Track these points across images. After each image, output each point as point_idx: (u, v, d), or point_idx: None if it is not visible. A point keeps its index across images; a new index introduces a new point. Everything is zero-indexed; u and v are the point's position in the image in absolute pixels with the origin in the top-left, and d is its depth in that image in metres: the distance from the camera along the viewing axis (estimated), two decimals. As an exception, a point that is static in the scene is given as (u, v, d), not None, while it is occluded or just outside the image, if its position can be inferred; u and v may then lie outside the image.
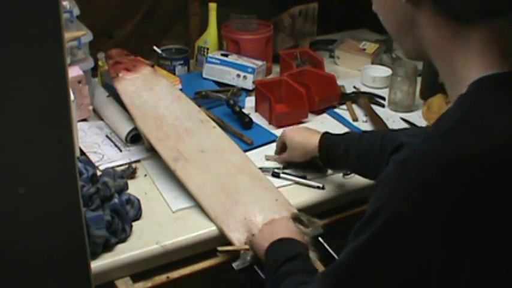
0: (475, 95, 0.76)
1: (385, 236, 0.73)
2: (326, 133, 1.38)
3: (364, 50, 2.11)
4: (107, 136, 1.60)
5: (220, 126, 1.55)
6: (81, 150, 1.50)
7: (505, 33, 0.78)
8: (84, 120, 1.66)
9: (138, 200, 1.30)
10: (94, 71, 1.79)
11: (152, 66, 1.67)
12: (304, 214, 1.29)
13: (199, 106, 1.61)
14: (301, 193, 1.41)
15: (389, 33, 0.90)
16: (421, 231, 0.70)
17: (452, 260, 0.69)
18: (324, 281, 0.83)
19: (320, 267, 1.20)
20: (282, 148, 1.48)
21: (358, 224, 0.78)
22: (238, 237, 1.24)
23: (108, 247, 1.19)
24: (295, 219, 1.28)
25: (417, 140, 0.74)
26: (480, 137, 0.72)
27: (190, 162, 1.40)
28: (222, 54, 1.94)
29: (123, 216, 1.23)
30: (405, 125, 1.73)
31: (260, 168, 1.44)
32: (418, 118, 1.76)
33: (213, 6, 1.98)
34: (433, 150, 0.72)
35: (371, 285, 0.75)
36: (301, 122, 1.71)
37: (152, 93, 1.56)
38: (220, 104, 1.74)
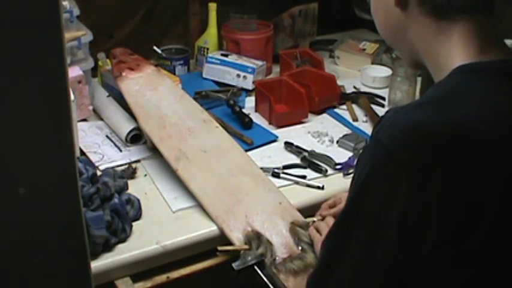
0: (450, 78, 0.85)
1: (366, 187, 0.82)
2: None
3: (364, 50, 2.12)
4: (107, 136, 1.60)
5: (220, 126, 1.55)
6: (81, 150, 1.50)
7: (483, 28, 0.86)
8: (84, 120, 1.66)
9: (138, 200, 1.30)
10: (94, 71, 1.79)
11: (155, 66, 1.67)
12: (304, 220, 1.29)
13: (200, 106, 1.61)
14: (301, 193, 1.41)
15: (386, 41, 0.98)
16: (390, 189, 0.79)
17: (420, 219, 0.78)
18: (324, 243, 0.93)
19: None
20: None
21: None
22: (238, 237, 1.24)
23: (108, 247, 1.19)
24: (296, 224, 1.28)
25: (390, 112, 0.84)
26: (444, 112, 0.80)
27: (192, 162, 1.40)
28: (222, 54, 1.94)
29: (123, 216, 1.23)
30: (405, 125, 1.73)
31: (260, 168, 1.44)
32: (418, 118, 1.76)
33: (213, 6, 1.98)
34: (400, 120, 0.81)
35: (361, 235, 0.83)
36: (301, 122, 1.71)
37: (155, 93, 1.56)
38: (220, 104, 1.74)
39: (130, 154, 1.52)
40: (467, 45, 0.85)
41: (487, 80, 0.84)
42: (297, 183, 1.44)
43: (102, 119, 1.67)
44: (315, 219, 1.28)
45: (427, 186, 0.77)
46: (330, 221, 1.22)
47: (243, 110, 1.72)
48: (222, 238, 1.26)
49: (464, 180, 0.78)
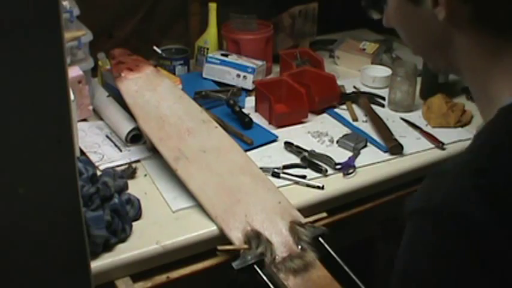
0: (501, 124, 0.71)
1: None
2: None
3: (364, 50, 2.11)
4: (107, 136, 1.60)
5: (220, 126, 1.56)
6: (81, 150, 1.50)
7: None
8: (84, 120, 1.66)
9: (138, 200, 1.30)
10: (94, 71, 1.79)
11: (155, 66, 1.67)
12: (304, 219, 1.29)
13: (200, 106, 1.62)
14: (301, 193, 1.41)
15: (414, 50, 0.86)
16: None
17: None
18: None
19: (320, 268, 1.20)
20: None
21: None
22: (238, 237, 1.24)
23: (108, 247, 1.19)
24: (296, 223, 1.28)
25: (442, 183, 0.69)
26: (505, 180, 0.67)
27: (192, 162, 1.40)
28: (222, 54, 1.94)
29: (123, 216, 1.23)
30: (405, 125, 1.73)
31: (260, 168, 1.44)
32: (418, 118, 1.76)
33: (213, 6, 1.98)
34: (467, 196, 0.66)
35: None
36: (301, 122, 1.71)
37: (155, 93, 1.56)
38: (220, 104, 1.74)
39: (130, 154, 1.52)
40: None
41: None
42: (296, 183, 1.44)
43: (102, 119, 1.68)
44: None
45: None
46: None
47: (243, 110, 1.72)
48: (222, 238, 1.26)
49: None
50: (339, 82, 1.89)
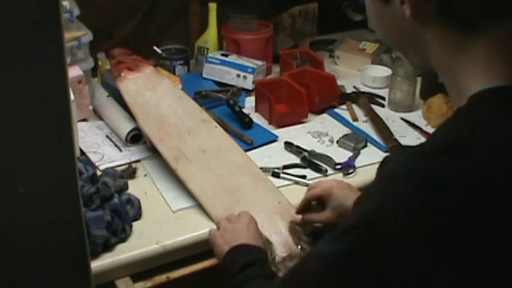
0: (471, 111, 0.73)
1: (365, 246, 0.71)
2: None
3: (364, 50, 2.12)
4: (107, 136, 1.60)
5: (220, 126, 1.56)
6: (81, 150, 1.50)
7: (511, 39, 0.73)
8: (84, 120, 1.66)
9: (138, 200, 1.30)
10: (94, 71, 1.79)
11: (154, 66, 1.67)
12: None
13: (200, 106, 1.62)
14: (301, 193, 1.40)
15: (393, 48, 0.87)
16: (400, 246, 0.69)
17: (426, 276, 0.68)
18: (290, 286, 0.79)
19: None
20: (309, 205, 1.30)
21: (339, 229, 0.75)
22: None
23: (108, 247, 1.19)
24: (295, 223, 1.28)
25: (401, 157, 0.72)
26: (464, 159, 0.69)
27: (192, 162, 1.40)
28: (222, 54, 1.94)
29: (123, 216, 1.23)
30: (405, 125, 1.73)
31: (260, 168, 1.44)
32: (418, 118, 1.76)
33: (213, 6, 1.98)
34: (416, 169, 0.70)
35: None
36: (301, 122, 1.71)
37: (154, 93, 1.56)
38: (220, 104, 1.75)
39: (131, 154, 1.52)
40: (491, 62, 0.73)
41: None
42: (296, 183, 1.44)
43: (102, 119, 1.68)
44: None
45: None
46: None
47: (243, 110, 1.72)
48: (222, 238, 1.26)
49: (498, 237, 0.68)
50: (339, 82, 1.89)
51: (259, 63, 1.91)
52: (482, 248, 0.67)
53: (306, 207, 1.28)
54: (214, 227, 1.27)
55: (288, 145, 1.58)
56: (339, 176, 1.47)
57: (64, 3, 1.60)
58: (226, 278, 1.10)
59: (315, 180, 1.43)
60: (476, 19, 0.73)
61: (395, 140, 1.60)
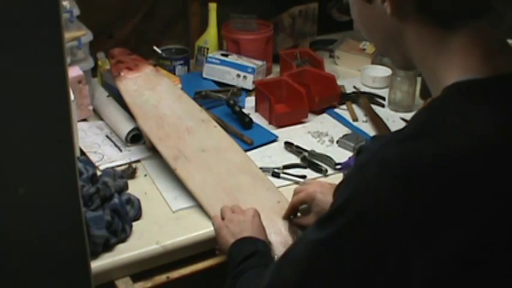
0: (443, 101, 0.77)
1: (345, 233, 0.75)
2: None
3: (364, 50, 2.11)
4: (107, 136, 1.60)
5: (220, 126, 1.56)
6: (81, 150, 1.50)
7: (486, 36, 0.77)
8: (84, 120, 1.66)
9: (138, 200, 1.30)
10: (94, 71, 1.79)
11: (154, 65, 1.67)
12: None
13: (200, 106, 1.62)
14: (301, 193, 1.41)
15: (376, 47, 0.90)
16: (376, 232, 0.73)
17: (401, 260, 0.72)
18: (279, 272, 0.84)
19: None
20: (296, 210, 1.31)
21: (321, 217, 0.80)
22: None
23: (108, 247, 1.19)
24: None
25: (374, 145, 0.76)
26: (433, 146, 0.73)
27: (191, 161, 1.40)
28: (222, 54, 1.94)
29: (123, 216, 1.23)
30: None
31: (260, 168, 1.44)
32: (418, 118, 1.76)
33: (213, 6, 1.98)
34: (387, 157, 0.73)
35: (329, 278, 0.77)
36: (301, 122, 1.71)
37: (154, 93, 1.56)
38: (220, 104, 1.74)
39: (131, 154, 1.52)
40: (467, 57, 0.77)
41: (486, 104, 0.75)
42: (296, 183, 1.44)
43: (102, 119, 1.68)
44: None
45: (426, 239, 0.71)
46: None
47: (243, 110, 1.72)
48: (222, 238, 1.26)
49: (462, 224, 0.71)
50: (339, 82, 1.89)
51: (259, 63, 1.91)
52: (455, 228, 0.71)
53: (292, 213, 1.30)
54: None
55: (288, 145, 1.58)
56: (339, 176, 1.47)
57: (64, 3, 1.60)
58: (229, 269, 1.10)
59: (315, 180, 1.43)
60: (450, 18, 0.77)
61: (395, 140, 1.60)
